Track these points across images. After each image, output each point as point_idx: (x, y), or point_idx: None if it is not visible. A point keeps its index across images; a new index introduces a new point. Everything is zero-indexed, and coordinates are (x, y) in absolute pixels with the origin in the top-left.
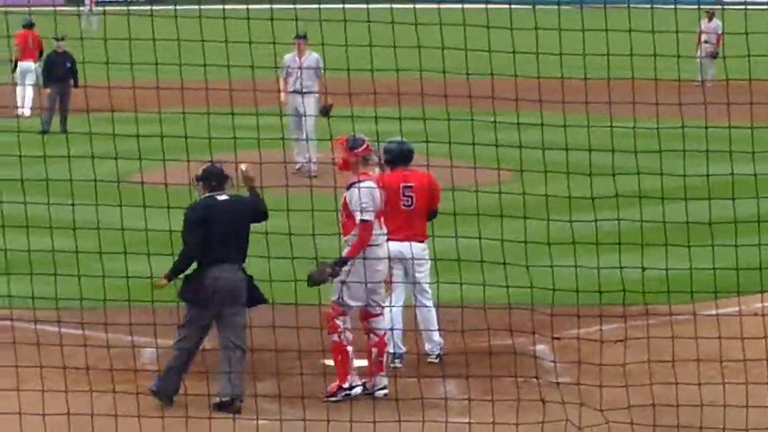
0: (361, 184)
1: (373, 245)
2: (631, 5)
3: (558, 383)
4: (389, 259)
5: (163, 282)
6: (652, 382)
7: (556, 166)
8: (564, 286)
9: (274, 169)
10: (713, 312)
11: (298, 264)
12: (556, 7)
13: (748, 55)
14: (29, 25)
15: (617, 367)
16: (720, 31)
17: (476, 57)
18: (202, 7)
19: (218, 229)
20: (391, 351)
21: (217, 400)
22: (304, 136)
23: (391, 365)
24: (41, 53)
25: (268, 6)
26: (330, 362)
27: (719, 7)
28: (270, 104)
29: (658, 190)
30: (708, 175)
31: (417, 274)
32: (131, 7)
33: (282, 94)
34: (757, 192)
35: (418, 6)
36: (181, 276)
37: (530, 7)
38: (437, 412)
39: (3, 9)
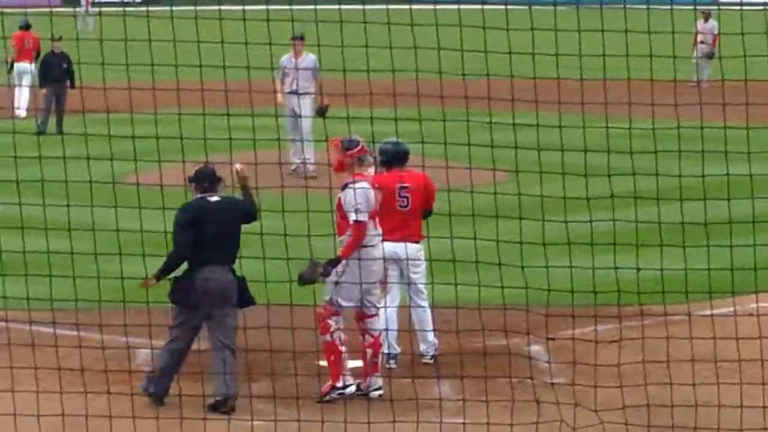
0: (356, 185)
1: (367, 246)
2: (627, 6)
3: (553, 384)
4: (384, 259)
5: (152, 282)
6: (646, 383)
7: (552, 166)
8: (559, 287)
9: (270, 169)
10: (708, 312)
11: (293, 265)
12: (552, 7)
13: (744, 56)
14: (26, 27)
15: (612, 368)
16: (716, 32)
17: (472, 57)
18: (198, 8)
19: (209, 231)
20: (386, 351)
21: (212, 400)
22: (300, 138)
23: (386, 366)
24: (38, 54)
25: (264, 7)
26: (324, 363)
27: (715, 7)
28: (266, 105)
29: (654, 190)
30: (703, 176)
31: (412, 275)
32: (127, 8)
33: (279, 95)
34: (752, 192)
35: (414, 7)
36: (171, 277)
37: (526, 7)
38: (432, 412)
39: None
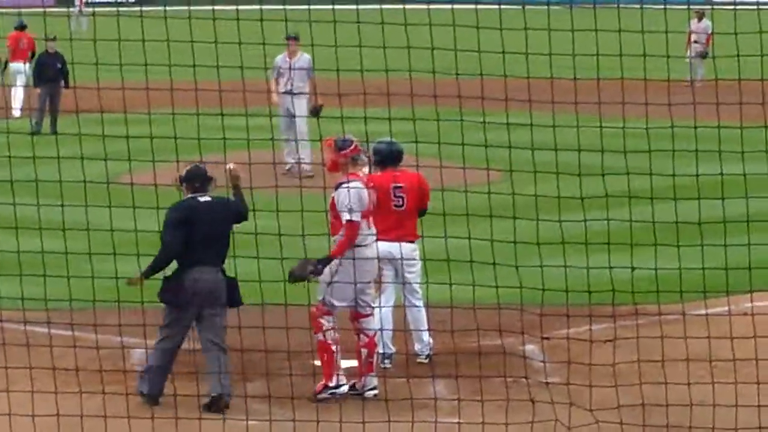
0: (349, 185)
1: (360, 246)
2: (621, 5)
3: (547, 383)
4: (378, 259)
5: (137, 280)
6: (641, 382)
7: (546, 166)
8: (553, 286)
9: (264, 169)
10: (702, 312)
11: (288, 264)
12: (545, 7)
13: (737, 55)
14: (21, 27)
15: (607, 367)
16: (710, 31)
17: (465, 57)
18: (191, 8)
19: (199, 231)
20: (381, 351)
21: (206, 400)
22: (294, 137)
23: (381, 365)
24: (33, 55)
25: (257, 7)
26: (319, 363)
27: (709, 7)
28: (259, 105)
29: (648, 190)
30: (697, 175)
31: (407, 275)
32: (121, 8)
33: (274, 95)
34: (746, 192)
35: (407, 6)
36: (159, 276)
37: (519, 7)
38: (427, 412)
39: None
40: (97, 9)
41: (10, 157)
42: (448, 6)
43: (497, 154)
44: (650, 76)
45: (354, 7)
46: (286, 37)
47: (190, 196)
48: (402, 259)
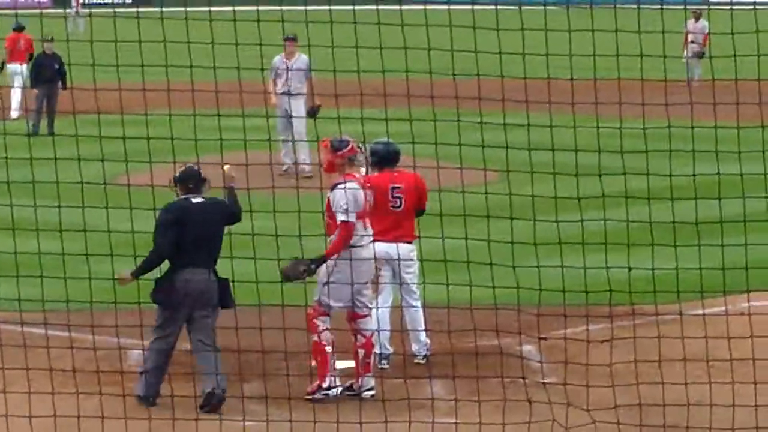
0: (344, 186)
1: (356, 246)
2: (618, 5)
3: (544, 383)
4: (375, 259)
5: (127, 278)
6: (638, 382)
7: (543, 166)
8: (550, 287)
9: (261, 170)
10: (699, 312)
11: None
12: (542, 7)
13: (734, 55)
14: (20, 29)
15: (604, 367)
16: (707, 31)
17: (462, 58)
18: (188, 9)
19: (191, 232)
20: (378, 352)
21: (202, 398)
22: (291, 138)
23: (378, 366)
24: (31, 56)
25: (254, 7)
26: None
27: (705, 7)
28: (256, 105)
29: (645, 190)
30: (694, 175)
31: (404, 275)
32: (117, 9)
33: (272, 96)
34: (743, 192)
35: (404, 7)
36: (149, 276)
37: (516, 7)
38: (424, 412)
39: None
40: (93, 10)
41: (6, 158)
42: (445, 6)
43: (494, 155)
44: (647, 77)
45: (350, 7)
46: (284, 38)
47: (183, 197)
48: (399, 259)
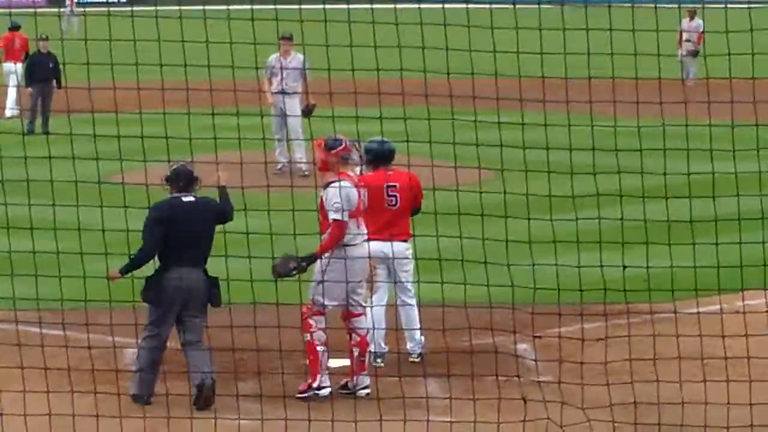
0: (337, 184)
1: (349, 245)
2: (612, 4)
3: (539, 382)
4: (370, 258)
5: (116, 275)
6: (633, 380)
7: (537, 165)
8: (545, 285)
9: (256, 169)
10: (694, 310)
11: None
12: (536, 6)
13: (729, 54)
14: (16, 28)
15: (599, 366)
16: (701, 30)
17: (457, 57)
18: (182, 8)
19: (181, 231)
20: (373, 350)
21: (194, 391)
22: (286, 137)
23: (373, 364)
24: (27, 55)
25: (248, 6)
26: None
27: (700, 5)
28: (251, 104)
29: (639, 188)
30: (689, 174)
31: (400, 273)
32: (112, 8)
33: (269, 95)
34: (737, 190)
35: (398, 6)
36: (137, 273)
37: (510, 6)
38: (419, 411)
39: None
40: (87, 9)
41: (1, 157)
42: (439, 5)
43: (489, 154)
44: (642, 75)
45: (345, 6)
46: (280, 37)
47: (173, 195)
48: (394, 258)
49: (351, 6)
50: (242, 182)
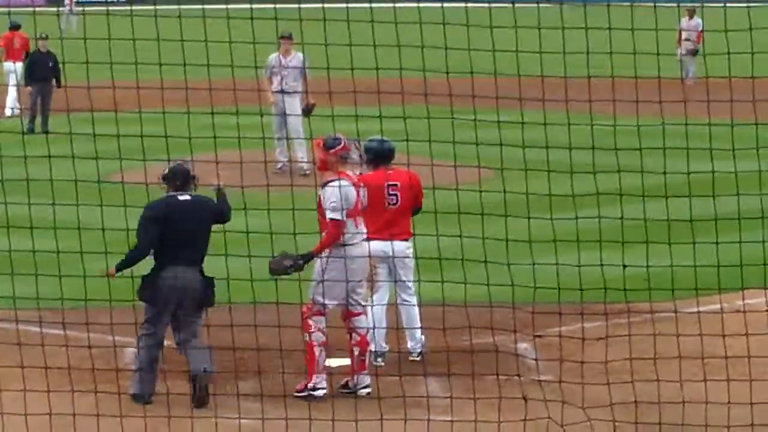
0: (334, 183)
1: (347, 245)
2: (611, 3)
3: (540, 381)
4: (370, 257)
5: (112, 272)
6: (633, 380)
7: (537, 164)
8: (545, 284)
9: (255, 168)
10: (694, 309)
11: None
12: (535, 5)
13: (728, 53)
14: (16, 27)
15: (599, 365)
16: (701, 29)
17: (456, 55)
18: (182, 7)
19: (176, 230)
20: (374, 349)
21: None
22: (286, 136)
23: (374, 364)
24: (27, 54)
25: (247, 6)
26: None
27: (699, 4)
28: (250, 103)
29: (639, 187)
30: (689, 173)
31: (400, 272)
32: (111, 7)
33: (269, 94)
34: (737, 189)
35: (398, 5)
36: (136, 273)
37: (510, 5)
38: (419, 410)
39: None
40: (86, 8)
41: (0, 156)
42: (438, 5)
43: (488, 153)
44: (641, 74)
45: (344, 5)
46: (280, 37)
47: (169, 194)
48: (395, 257)
49: (350, 5)
50: (242, 181)
